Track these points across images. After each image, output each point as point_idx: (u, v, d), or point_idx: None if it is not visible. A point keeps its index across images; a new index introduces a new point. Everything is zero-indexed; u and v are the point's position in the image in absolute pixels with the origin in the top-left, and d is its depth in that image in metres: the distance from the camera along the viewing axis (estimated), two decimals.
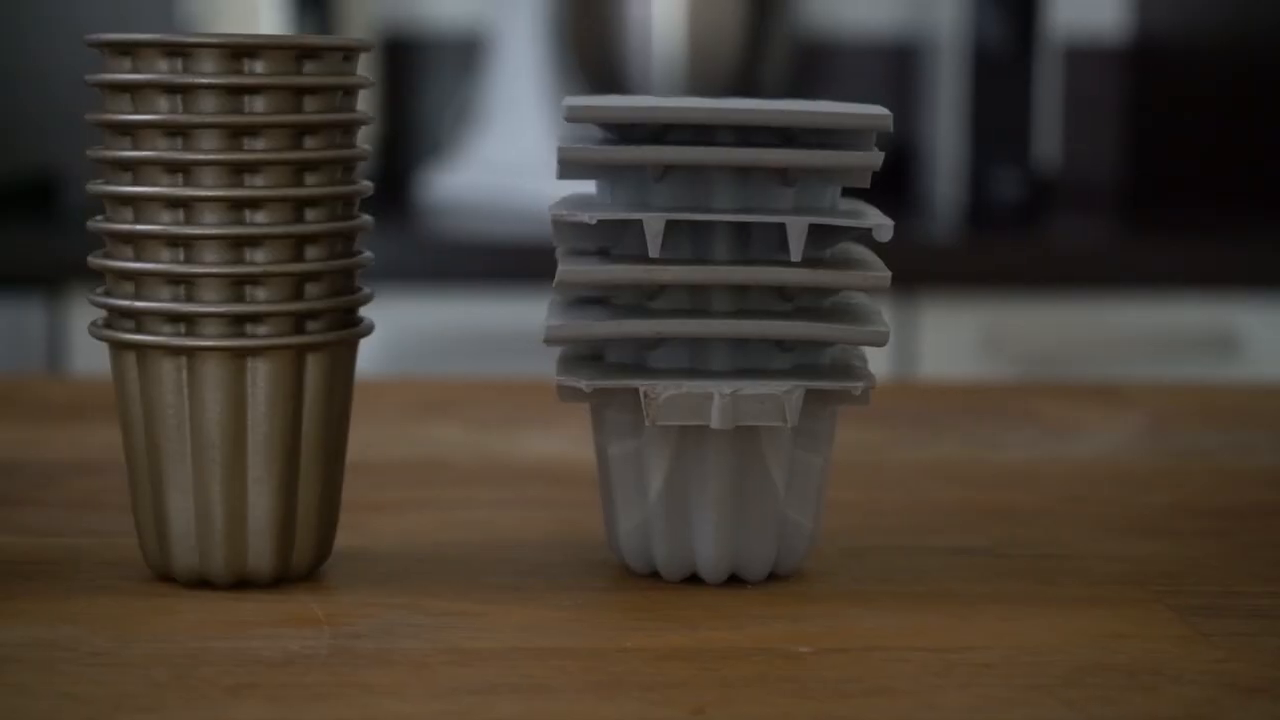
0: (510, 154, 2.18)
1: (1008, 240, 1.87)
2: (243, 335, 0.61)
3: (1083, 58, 2.45)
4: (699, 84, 2.10)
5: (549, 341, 0.61)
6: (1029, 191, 2.12)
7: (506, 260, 1.81)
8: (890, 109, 2.41)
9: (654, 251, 0.60)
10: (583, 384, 0.61)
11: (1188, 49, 2.28)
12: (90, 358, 1.82)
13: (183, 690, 0.53)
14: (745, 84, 2.12)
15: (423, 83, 2.40)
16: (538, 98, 2.19)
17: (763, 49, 2.13)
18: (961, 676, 0.55)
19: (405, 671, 0.55)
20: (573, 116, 0.60)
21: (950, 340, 1.91)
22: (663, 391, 0.60)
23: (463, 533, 0.71)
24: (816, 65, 2.41)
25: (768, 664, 0.56)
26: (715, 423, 0.60)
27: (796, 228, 0.60)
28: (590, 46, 2.13)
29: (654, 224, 0.60)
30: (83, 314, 1.81)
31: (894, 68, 2.42)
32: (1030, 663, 0.56)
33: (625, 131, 0.63)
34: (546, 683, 0.54)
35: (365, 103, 2.20)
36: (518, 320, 1.84)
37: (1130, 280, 1.89)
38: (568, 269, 0.60)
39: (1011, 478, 0.81)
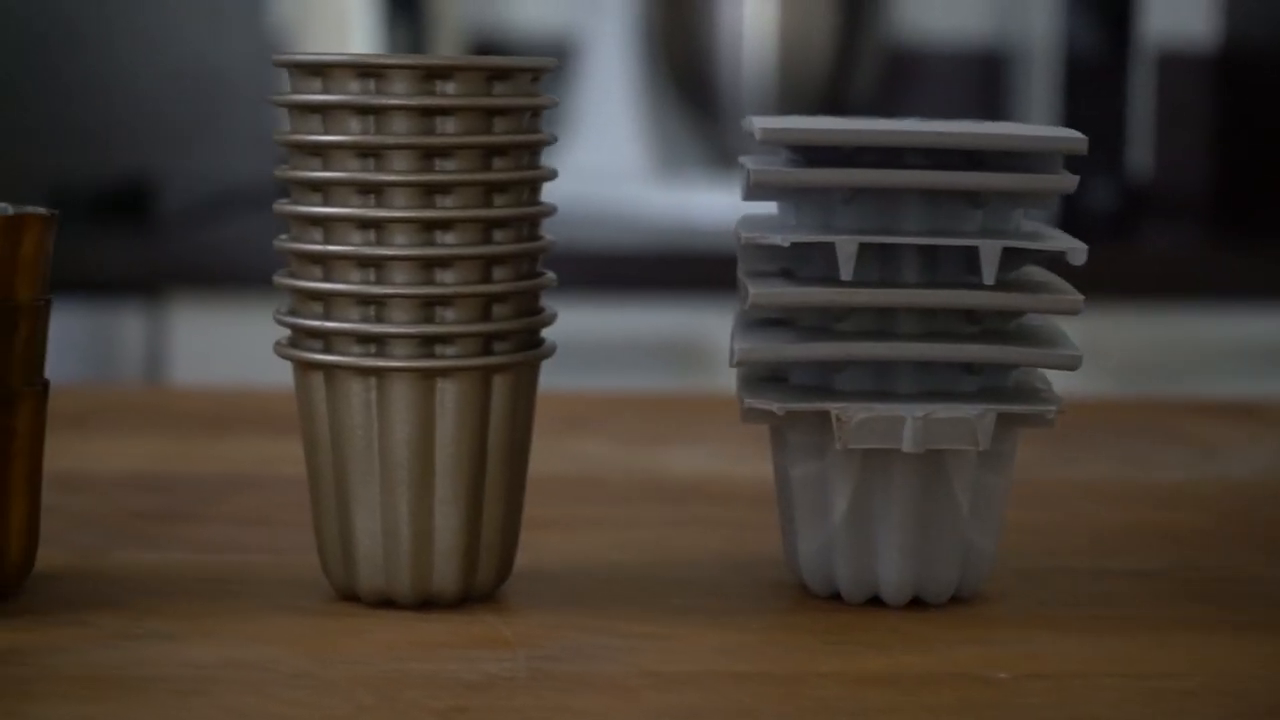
0: (600, 161, 2.18)
1: (1101, 250, 1.86)
2: (432, 356, 0.61)
3: (1174, 65, 2.44)
4: (789, 93, 2.10)
5: (740, 364, 0.61)
6: (1122, 201, 2.11)
7: (597, 268, 1.81)
8: (979, 117, 2.40)
9: (846, 274, 0.60)
10: (774, 407, 0.60)
11: (1279, 56, 2.27)
12: (190, 366, 1.83)
13: (391, 714, 0.53)
14: (835, 94, 2.12)
15: None
16: (627, 105, 2.19)
17: (853, 58, 2.12)
18: (1167, 705, 0.55)
19: (609, 696, 0.55)
20: (766, 139, 0.60)
21: None
22: (854, 415, 0.60)
23: (634, 553, 0.71)
24: (906, 74, 2.41)
25: (968, 690, 0.56)
26: (907, 446, 0.60)
27: (990, 251, 0.60)
28: (680, 53, 2.13)
29: (847, 247, 0.60)
30: (184, 321, 1.82)
31: (984, 77, 2.41)
32: (1233, 690, 0.56)
33: (812, 153, 0.63)
34: (753, 708, 0.54)
35: None
36: (613, 329, 1.84)
37: (1224, 290, 1.88)
38: (760, 292, 0.60)
39: (1170, 498, 0.81)
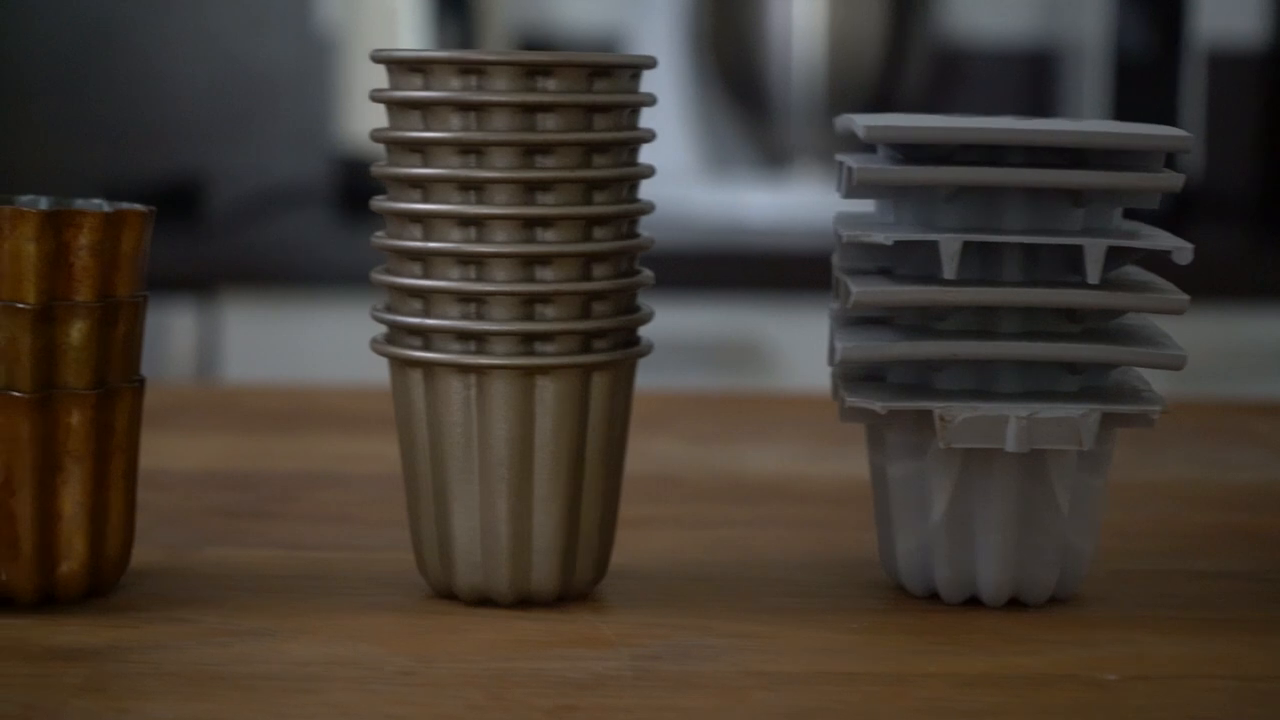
0: (649, 160, 2.18)
1: None
2: (532, 354, 0.61)
3: (1224, 65, 2.43)
4: (838, 92, 2.10)
5: (844, 363, 0.60)
6: (1172, 200, 2.10)
7: (645, 267, 1.81)
8: (1029, 116, 2.39)
9: (950, 273, 0.60)
10: (877, 406, 0.60)
11: None
12: (242, 363, 1.83)
13: (503, 712, 0.52)
14: (885, 93, 2.11)
15: None
16: (676, 104, 2.19)
17: (902, 57, 2.12)
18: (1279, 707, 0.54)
19: (716, 695, 0.54)
20: (870, 137, 0.59)
21: None
22: (958, 414, 0.60)
23: (721, 552, 0.70)
24: (955, 73, 2.40)
25: (1078, 691, 0.55)
26: (1010, 446, 0.60)
27: (1095, 250, 0.59)
28: (729, 52, 2.13)
29: (950, 245, 0.59)
30: (235, 318, 1.82)
31: (1033, 76, 2.40)
32: None
33: (912, 151, 0.62)
34: (864, 709, 0.53)
35: None
36: (662, 329, 1.84)
37: (1273, 290, 1.87)
38: (864, 290, 0.60)
39: (1249, 500, 0.80)
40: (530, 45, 2.36)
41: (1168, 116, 2.10)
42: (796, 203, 2.03)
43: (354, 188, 2.15)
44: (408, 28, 2.15)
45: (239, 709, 0.52)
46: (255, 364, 1.83)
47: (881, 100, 2.12)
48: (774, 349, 1.85)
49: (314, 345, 1.83)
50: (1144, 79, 2.10)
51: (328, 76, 2.35)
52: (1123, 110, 2.10)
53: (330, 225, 1.92)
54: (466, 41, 2.13)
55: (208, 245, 1.80)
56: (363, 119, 2.16)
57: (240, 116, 2.35)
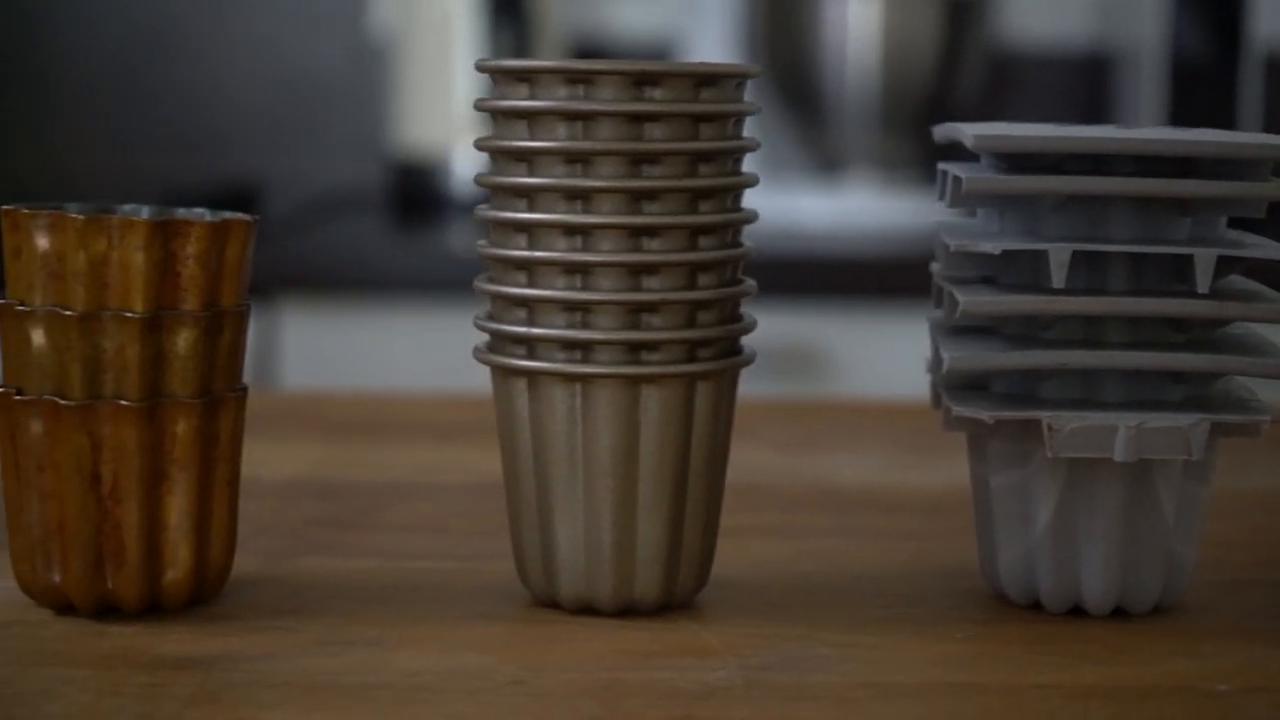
0: None
1: None
2: (637, 363, 0.61)
3: None
4: (893, 98, 2.09)
5: (952, 373, 0.60)
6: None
7: None
8: (1084, 122, 2.38)
9: (1058, 282, 0.59)
10: (984, 415, 0.60)
11: None
12: (300, 369, 1.83)
13: None
14: (940, 98, 2.11)
15: None
16: None
17: (957, 62, 2.11)
18: None
19: (832, 707, 0.54)
20: (979, 146, 0.59)
21: None
22: (1066, 424, 0.59)
23: (818, 561, 0.70)
24: (1010, 78, 2.39)
25: (1193, 703, 0.55)
26: (1118, 455, 0.59)
27: (1205, 260, 0.59)
28: (783, 57, 2.12)
29: (1059, 255, 0.59)
30: (293, 324, 1.82)
31: (1088, 80, 2.40)
32: None
33: (1017, 161, 0.62)
34: None
35: None
36: None
37: None
38: (972, 300, 0.60)
39: None
40: (585, 51, 2.36)
41: (1225, 121, 2.09)
42: (850, 208, 2.03)
43: (409, 193, 2.16)
44: (462, 33, 2.15)
45: (353, 719, 0.52)
46: (312, 369, 1.84)
47: (936, 106, 2.12)
48: (829, 354, 1.84)
49: (371, 350, 1.84)
50: (1201, 83, 2.09)
51: (382, 82, 2.35)
52: (1179, 115, 2.10)
53: (386, 230, 1.93)
54: (522, 46, 2.13)
55: (264, 251, 1.80)
56: (417, 124, 2.16)
57: (295, 122, 2.35)
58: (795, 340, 1.84)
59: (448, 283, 1.82)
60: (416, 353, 1.84)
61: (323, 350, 1.84)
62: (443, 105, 2.16)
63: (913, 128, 2.11)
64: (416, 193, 2.16)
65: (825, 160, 2.15)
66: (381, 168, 2.36)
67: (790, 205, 2.04)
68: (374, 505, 0.78)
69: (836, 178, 2.15)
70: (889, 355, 1.86)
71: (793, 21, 2.11)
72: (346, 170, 2.36)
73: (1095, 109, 2.41)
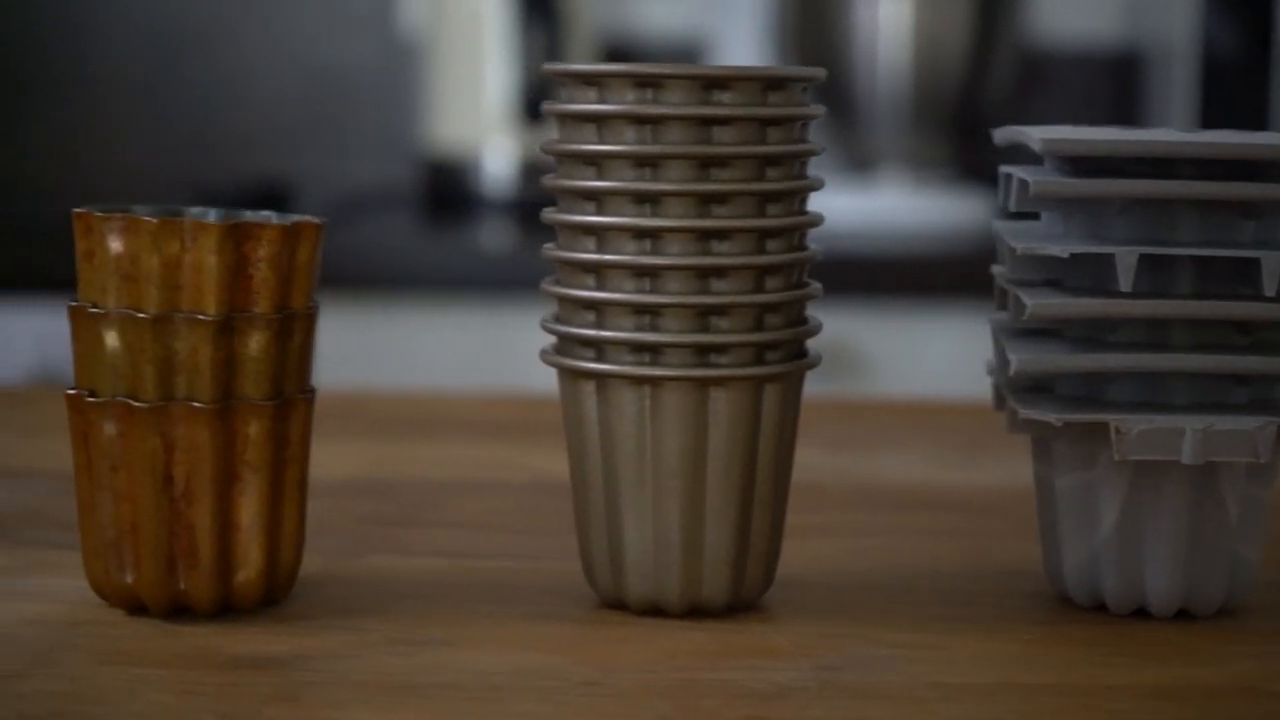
0: None
1: None
2: (706, 365, 0.61)
3: None
4: (924, 97, 2.09)
5: (1019, 374, 0.60)
6: None
7: None
8: (1114, 121, 2.38)
9: (1126, 285, 0.60)
10: (1052, 418, 0.60)
11: None
12: (331, 367, 1.84)
13: None
14: (971, 98, 2.11)
15: None
16: None
17: (988, 61, 2.12)
18: None
19: (905, 707, 0.54)
20: (1048, 150, 0.60)
21: None
22: (1134, 426, 0.60)
23: (877, 560, 0.71)
24: (1041, 78, 2.39)
25: (1263, 705, 0.55)
26: (1186, 458, 0.60)
27: (1272, 263, 0.59)
28: (813, 56, 2.13)
29: (1127, 258, 0.60)
30: (323, 322, 1.83)
31: (1119, 79, 2.40)
32: None
33: (1081, 164, 0.63)
34: None
35: None
36: None
37: None
38: (1041, 303, 0.60)
39: None
40: (614, 52, 2.36)
41: (1257, 120, 2.09)
42: (882, 207, 2.03)
43: (440, 191, 2.16)
44: (492, 32, 2.16)
45: (431, 719, 0.53)
46: (343, 367, 1.84)
47: (967, 105, 2.12)
48: (860, 353, 1.85)
49: (402, 348, 1.84)
50: (1232, 82, 2.09)
51: (413, 80, 2.36)
52: (1210, 114, 2.10)
53: (417, 229, 1.93)
54: (553, 47, 2.14)
55: None
56: (448, 122, 2.17)
57: (326, 121, 2.36)
58: (826, 339, 1.85)
59: (478, 281, 1.83)
60: (447, 350, 1.84)
61: (354, 348, 1.84)
62: (473, 104, 2.16)
63: (944, 127, 2.11)
64: (447, 191, 2.16)
65: (856, 159, 2.15)
66: (412, 166, 2.37)
67: (822, 205, 2.04)
68: (430, 504, 0.78)
69: (868, 177, 2.16)
70: (921, 353, 1.86)
71: (823, 21, 2.12)
72: (377, 169, 2.37)
73: (1126, 108, 2.41)
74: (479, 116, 2.16)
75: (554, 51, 2.15)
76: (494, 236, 1.86)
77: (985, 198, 2.04)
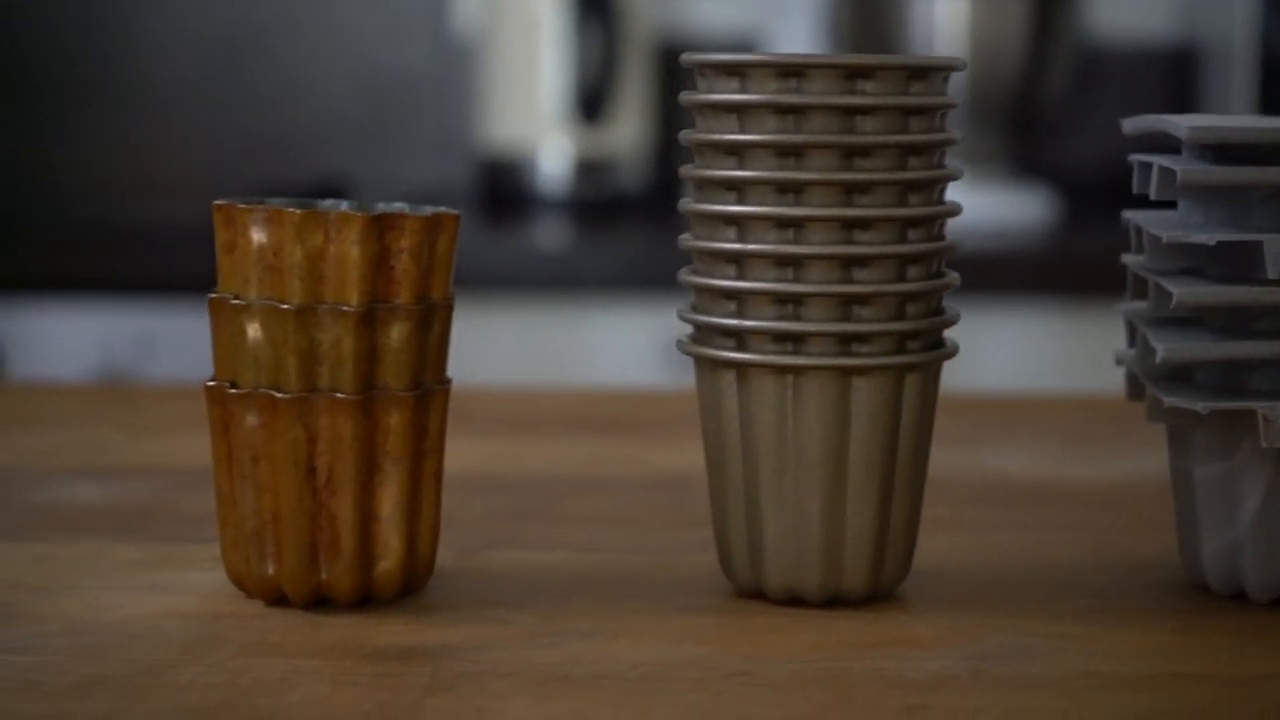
0: None
1: None
2: (848, 354, 0.61)
3: None
4: (981, 92, 2.09)
5: (1165, 363, 0.60)
6: None
7: None
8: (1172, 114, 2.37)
9: (1273, 273, 0.59)
10: (1198, 406, 0.60)
11: None
12: None
13: (854, 713, 0.53)
14: (1028, 92, 2.11)
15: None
16: None
17: (1045, 56, 2.11)
18: None
19: (1057, 697, 0.54)
20: (1194, 138, 0.59)
21: None
22: None
23: (1003, 553, 0.70)
24: (1098, 72, 2.39)
25: None
26: None
27: None
28: (869, 53, 2.12)
29: (1274, 246, 0.59)
30: None
31: (1177, 75, 2.39)
32: None
33: (1222, 152, 0.62)
34: (1211, 711, 0.53)
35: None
36: None
37: None
38: (1187, 291, 0.60)
39: None
40: (670, 47, 2.36)
41: None
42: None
43: (497, 191, 2.16)
44: (548, 31, 2.16)
45: (594, 709, 0.53)
46: None
47: (1025, 100, 2.11)
48: None
49: (459, 346, 1.84)
50: None
51: (469, 80, 2.36)
52: (1269, 109, 2.09)
53: (473, 228, 1.93)
54: (609, 45, 2.13)
55: None
56: (504, 122, 2.17)
57: (383, 122, 2.36)
58: None
59: (535, 279, 1.83)
60: (504, 348, 1.84)
61: None
62: (529, 103, 2.16)
63: (1001, 123, 2.10)
64: (504, 190, 2.16)
65: None
66: (468, 166, 2.37)
67: None
68: (550, 499, 0.78)
69: None
70: (980, 349, 1.85)
71: (879, 17, 2.11)
72: (434, 168, 2.37)
73: (1183, 104, 2.40)
74: (534, 116, 2.17)
75: (612, 51, 2.15)
76: (550, 235, 1.86)
77: (1041, 194, 2.04)
